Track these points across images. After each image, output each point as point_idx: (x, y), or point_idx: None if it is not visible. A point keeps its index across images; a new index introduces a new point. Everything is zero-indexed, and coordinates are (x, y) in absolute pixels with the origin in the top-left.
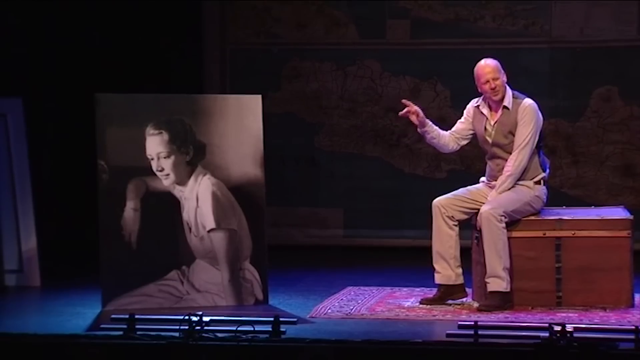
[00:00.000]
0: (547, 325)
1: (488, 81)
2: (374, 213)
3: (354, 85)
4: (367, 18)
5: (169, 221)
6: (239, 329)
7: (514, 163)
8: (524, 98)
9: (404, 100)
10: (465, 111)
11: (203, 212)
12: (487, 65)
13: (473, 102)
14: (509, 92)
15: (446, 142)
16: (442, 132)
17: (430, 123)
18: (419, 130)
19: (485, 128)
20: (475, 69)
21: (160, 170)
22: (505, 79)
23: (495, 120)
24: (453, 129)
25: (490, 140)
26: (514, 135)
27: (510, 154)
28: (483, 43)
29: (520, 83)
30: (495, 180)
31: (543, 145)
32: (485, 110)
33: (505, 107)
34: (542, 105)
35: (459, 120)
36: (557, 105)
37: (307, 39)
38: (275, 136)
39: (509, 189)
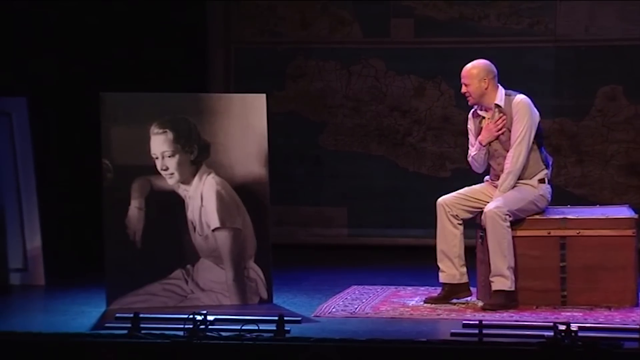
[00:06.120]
0: (551, 324)
1: (462, 85)
2: (378, 212)
3: (358, 84)
4: (371, 17)
5: (174, 220)
6: (243, 328)
7: (511, 159)
8: (517, 94)
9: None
10: (467, 126)
11: (207, 211)
12: (464, 69)
13: (471, 111)
14: (501, 90)
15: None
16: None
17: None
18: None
19: (482, 129)
20: None
21: (165, 169)
22: (485, 85)
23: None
24: (470, 151)
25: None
26: (510, 132)
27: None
28: (487, 42)
29: (525, 82)
30: (499, 180)
31: (544, 142)
32: (481, 112)
33: (497, 105)
34: (546, 104)
35: (470, 141)
36: (561, 104)
37: (312, 38)
38: (280, 135)
39: (513, 188)
